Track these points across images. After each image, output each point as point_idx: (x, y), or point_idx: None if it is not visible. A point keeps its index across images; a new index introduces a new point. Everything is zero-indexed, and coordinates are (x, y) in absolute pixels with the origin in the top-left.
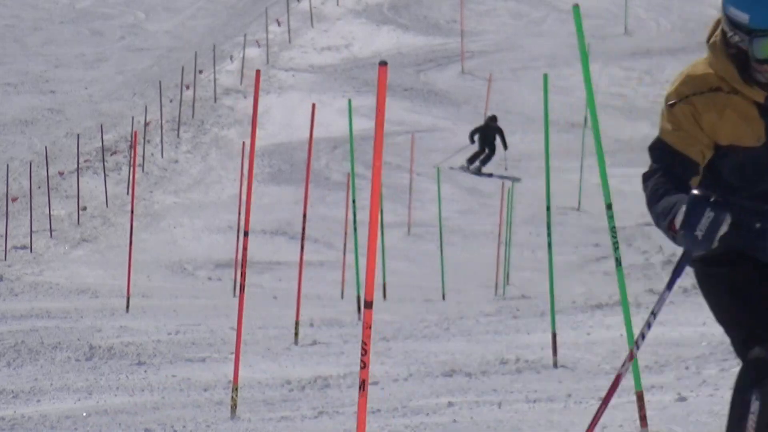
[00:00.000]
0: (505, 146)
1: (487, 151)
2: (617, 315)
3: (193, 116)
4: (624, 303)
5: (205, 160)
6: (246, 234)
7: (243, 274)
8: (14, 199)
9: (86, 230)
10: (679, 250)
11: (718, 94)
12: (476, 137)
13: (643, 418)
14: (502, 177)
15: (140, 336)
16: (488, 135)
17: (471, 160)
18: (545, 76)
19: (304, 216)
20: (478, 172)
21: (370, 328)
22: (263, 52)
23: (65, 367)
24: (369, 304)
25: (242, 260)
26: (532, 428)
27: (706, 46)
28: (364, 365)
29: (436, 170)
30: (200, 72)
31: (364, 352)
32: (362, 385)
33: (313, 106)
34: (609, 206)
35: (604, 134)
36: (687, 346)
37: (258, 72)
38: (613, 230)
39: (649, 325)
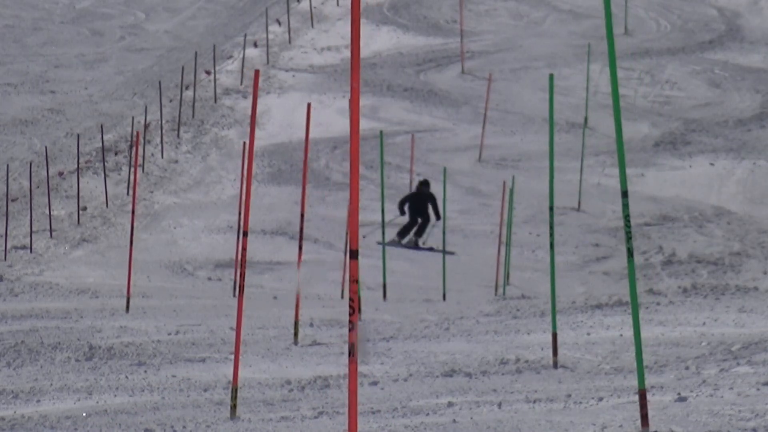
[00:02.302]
0: (438, 216)
1: (419, 221)
2: (617, 315)
3: (193, 116)
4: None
5: (205, 160)
6: (245, 234)
7: (242, 275)
8: (14, 200)
9: (86, 230)
10: (679, 250)
11: None
12: (406, 207)
13: (644, 417)
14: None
15: (140, 336)
16: (420, 203)
17: (402, 233)
18: (551, 77)
19: (302, 216)
20: (414, 245)
21: (357, 282)
22: (263, 52)
23: (65, 368)
24: (354, 254)
25: (241, 261)
26: (532, 428)
27: None
28: (352, 326)
29: (434, 170)
30: (206, 72)
31: (352, 310)
32: (351, 350)
33: (309, 106)
34: (625, 193)
35: (603, 134)
36: (687, 346)
37: (257, 72)
38: (627, 218)
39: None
